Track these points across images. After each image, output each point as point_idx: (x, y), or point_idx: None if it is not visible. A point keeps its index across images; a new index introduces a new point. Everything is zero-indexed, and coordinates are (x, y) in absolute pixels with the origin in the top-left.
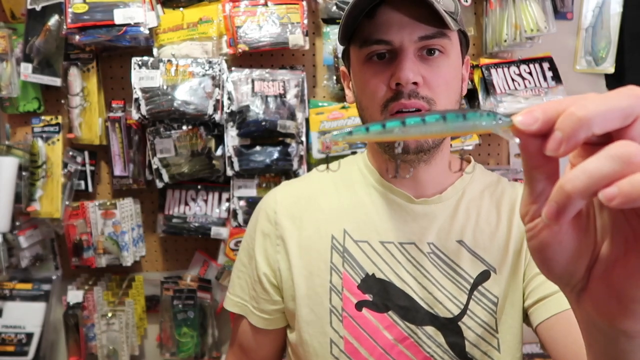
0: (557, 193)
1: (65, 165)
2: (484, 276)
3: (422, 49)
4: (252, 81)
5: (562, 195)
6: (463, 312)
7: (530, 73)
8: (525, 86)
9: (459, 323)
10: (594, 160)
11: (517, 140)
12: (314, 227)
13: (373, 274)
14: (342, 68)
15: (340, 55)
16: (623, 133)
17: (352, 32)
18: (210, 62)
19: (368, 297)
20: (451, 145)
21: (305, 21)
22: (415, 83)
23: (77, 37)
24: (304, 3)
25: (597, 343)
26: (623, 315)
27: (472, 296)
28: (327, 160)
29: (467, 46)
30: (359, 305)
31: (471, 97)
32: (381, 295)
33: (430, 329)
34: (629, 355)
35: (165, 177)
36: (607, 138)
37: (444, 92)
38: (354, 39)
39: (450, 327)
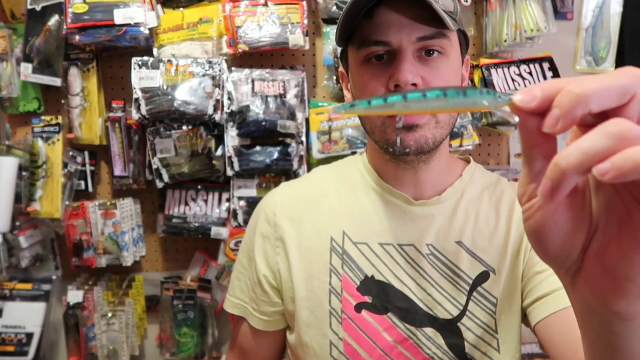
0: (552, 170)
1: (65, 165)
2: (483, 277)
3: (420, 50)
4: (252, 81)
5: (556, 171)
6: (462, 313)
7: (530, 73)
8: (525, 86)
9: (459, 324)
10: (588, 137)
11: (517, 118)
12: (313, 229)
13: (372, 276)
14: (341, 69)
15: (339, 55)
16: (619, 111)
17: (349, 33)
18: (210, 62)
19: (367, 299)
20: (450, 145)
21: (305, 21)
22: (414, 84)
23: (77, 37)
24: (304, 3)
25: (591, 328)
26: (617, 295)
27: (472, 297)
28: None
29: (467, 46)
30: (359, 307)
31: None
32: (380, 297)
33: (429, 330)
34: (623, 339)
35: (165, 177)
36: (604, 119)
37: None
38: (352, 40)
39: (449, 328)
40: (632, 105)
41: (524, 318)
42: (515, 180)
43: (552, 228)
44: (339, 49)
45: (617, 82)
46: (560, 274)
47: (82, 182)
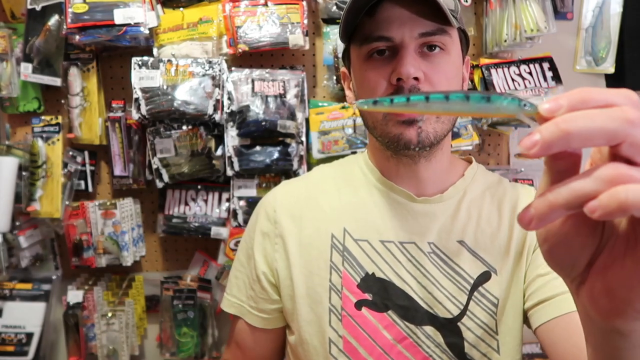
0: (540, 202)
1: (65, 165)
2: (484, 277)
3: (422, 46)
4: (252, 81)
5: (544, 205)
6: (463, 312)
7: (530, 73)
8: (525, 86)
9: (459, 324)
10: (580, 179)
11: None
12: (314, 226)
13: (373, 273)
14: (343, 69)
15: (340, 55)
16: (614, 149)
17: (352, 30)
18: (210, 62)
19: (368, 296)
20: (451, 145)
21: (305, 21)
22: (416, 78)
23: (77, 37)
24: (304, 3)
25: (593, 337)
26: (615, 314)
27: (472, 297)
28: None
29: (467, 46)
30: (359, 305)
31: None
32: (381, 294)
33: (429, 329)
34: (622, 352)
35: (165, 177)
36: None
37: (445, 88)
38: (354, 37)
39: (449, 328)
40: (623, 148)
41: (526, 320)
42: (516, 180)
43: (561, 239)
44: (341, 48)
45: (606, 126)
46: (566, 281)
47: (82, 182)
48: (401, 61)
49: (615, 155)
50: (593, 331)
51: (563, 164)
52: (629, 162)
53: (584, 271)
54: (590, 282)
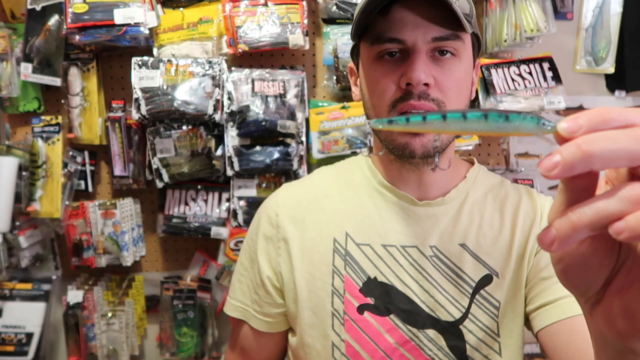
0: (562, 222)
1: (65, 165)
2: (486, 280)
3: (434, 50)
4: (252, 81)
5: (567, 225)
6: (465, 315)
7: (530, 73)
8: (525, 86)
9: (461, 327)
10: (604, 199)
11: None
12: (316, 230)
13: (375, 277)
14: (350, 64)
15: (340, 55)
16: (637, 170)
17: (364, 29)
18: (210, 62)
19: (370, 300)
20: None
21: (305, 21)
22: (426, 84)
23: (77, 37)
24: (304, 3)
25: (605, 355)
26: (632, 335)
27: (474, 300)
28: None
29: (479, 50)
30: (361, 309)
31: None
32: (383, 298)
33: (431, 332)
34: None
35: (165, 177)
36: None
37: (455, 94)
38: (366, 35)
39: (451, 331)
40: None
41: (527, 322)
42: (516, 180)
43: (577, 259)
44: (341, 48)
45: (628, 148)
46: (580, 301)
47: (82, 182)
48: (412, 66)
49: (634, 174)
50: (606, 350)
51: (581, 182)
52: None
53: (599, 291)
54: (606, 302)
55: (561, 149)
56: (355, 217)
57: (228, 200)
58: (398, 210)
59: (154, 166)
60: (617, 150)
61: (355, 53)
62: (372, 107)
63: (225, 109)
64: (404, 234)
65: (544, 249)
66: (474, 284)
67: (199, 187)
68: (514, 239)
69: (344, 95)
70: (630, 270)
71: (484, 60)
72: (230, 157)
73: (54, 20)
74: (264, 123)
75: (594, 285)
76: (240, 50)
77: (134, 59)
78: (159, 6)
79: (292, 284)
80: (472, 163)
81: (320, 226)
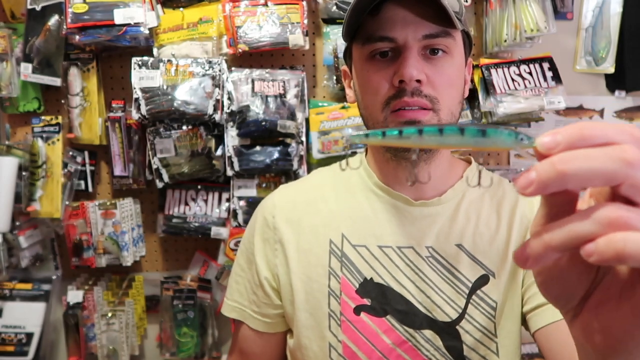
0: (535, 242)
1: (65, 165)
2: (482, 280)
3: (425, 48)
4: (252, 81)
5: (539, 245)
6: (461, 316)
7: (530, 73)
8: (525, 86)
9: (457, 327)
10: (576, 220)
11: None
12: (312, 232)
13: (371, 279)
14: (344, 67)
15: (340, 55)
16: (614, 189)
17: (355, 29)
18: (210, 62)
19: (366, 301)
20: None
21: (305, 21)
22: (418, 81)
23: (77, 37)
24: (304, 3)
25: None
26: (609, 350)
27: (471, 300)
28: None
29: (471, 48)
30: (358, 310)
31: (471, 97)
32: (379, 299)
33: (428, 333)
34: None
35: (165, 177)
36: None
37: (447, 91)
38: (357, 36)
39: (448, 331)
40: (623, 188)
41: (524, 322)
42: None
43: (556, 274)
44: (341, 48)
45: (604, 168)
46: (561, 312)
47: (82, 182)
48: (404, 63)
49: (616, 192)
50: (586, 358)
51: (559, 199)
52: (629, 201)
53: (578, 305)
54: (584, 317)
55: (537, 166)
56: (351, 218)
57: (228, 200)
58: (394, 211)
59: (154, 166)
60: (592, 170)
61: (348, 55)
62: (366, 106)
63: (225, 109)
64: (399, 234)
65: (519, 265)
66: (470, 284)
67: (199, 187)
68: (510, 238)
69: (344, 95)
70: (608, 287)
71: (484, 60)
72: (230, 157)
73: (54, 20)
74: (264, 123)
75: (572, 299)
76: (240, 50)
77: (134, 59)
78: (159, 6)
79: (289, 286)
80: (470, 162)
81: (317, 228)
